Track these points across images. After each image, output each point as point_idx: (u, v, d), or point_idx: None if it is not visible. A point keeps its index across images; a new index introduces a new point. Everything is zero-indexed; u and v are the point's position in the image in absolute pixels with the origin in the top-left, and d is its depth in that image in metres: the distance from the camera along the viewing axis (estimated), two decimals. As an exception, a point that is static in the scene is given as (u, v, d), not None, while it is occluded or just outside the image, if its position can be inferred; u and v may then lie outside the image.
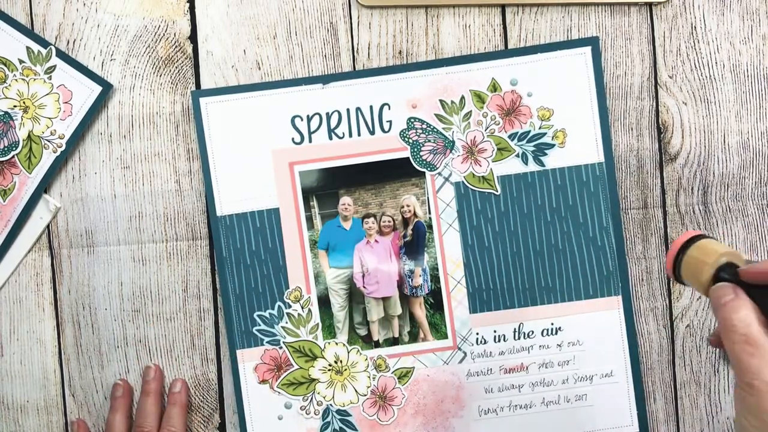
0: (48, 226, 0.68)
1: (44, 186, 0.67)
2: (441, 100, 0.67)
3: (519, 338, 0.67)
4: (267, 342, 0.67)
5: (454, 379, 0.68)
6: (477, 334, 0.68)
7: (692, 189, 0.68)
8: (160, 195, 0.68)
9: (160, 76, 0.68)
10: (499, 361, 0.68)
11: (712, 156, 0.68)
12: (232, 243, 0.67)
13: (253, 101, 0.67)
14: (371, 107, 0.67)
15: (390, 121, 0.67)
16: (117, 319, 0.68)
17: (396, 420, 0.68)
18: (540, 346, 0.67)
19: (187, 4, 0.68)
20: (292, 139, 0.67)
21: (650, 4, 0.68)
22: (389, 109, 0.67)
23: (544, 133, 0.67)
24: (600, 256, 0.67)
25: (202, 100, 0.67)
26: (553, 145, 0.67)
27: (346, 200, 0.68)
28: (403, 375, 0.68)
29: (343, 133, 0.67)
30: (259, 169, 0.67)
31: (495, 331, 0.68)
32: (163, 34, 0.68)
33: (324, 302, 0.68)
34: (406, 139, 0.67)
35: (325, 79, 0.67)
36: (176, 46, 0.68)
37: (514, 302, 0.67)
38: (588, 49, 0.67)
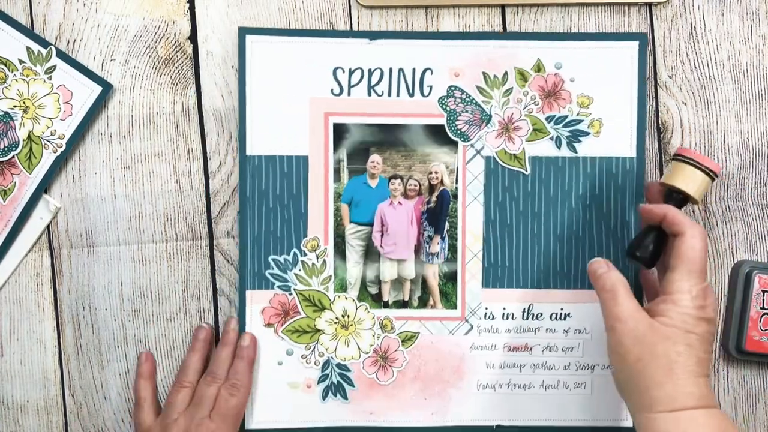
0: (48, 226, 0.68)
1: (44, 186, 0.67)
2: (484, 73, 0.67)
3: (527, 318, 0.67)
4: (277, 287, 0.67)
5: (457, 350, 0.68)
6: (486, 308, 0.68)
7: (692, 189, 0.68)
8: (160, 195, 0.68)
9: (160, 76, 0.68)
10: (505, 338, 0.68)
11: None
12: (257, 184, 0.67)
13: (298, 46, 0.66)
14: (414, 69, 0.67)
15: (430, 86, 0.67)
16: (117, 319, 0.68)
17: (394, 381, 0.68)
18: (547, 329, 0.67)
19: (187, 4, 0.68)
20: (331, 90, 0.67)
21: (650, 4, 0.68)
22: (431, 74, 0.67)
23: (581, 120, 0.67)
24: (618, 249, 0.67)
25: (249, 38, 0.66)
26: (588, 134, 0.67)
27: (375, 158, 0.67)
28: (408, 338, 0.68)
29: (383, 92, 0.67)
30: (294, 115, 0.67)
31: (504, 309, 0.68)
32: (163, 34, 0.68)
33: (340, 255, 0.68)
34: (444, 107, 0.67)
35: (372, 35, 0.67)
36: (176, 46, 0.68)
37: (527, 282, 0.67)
38: (635, 44, 0.67)
